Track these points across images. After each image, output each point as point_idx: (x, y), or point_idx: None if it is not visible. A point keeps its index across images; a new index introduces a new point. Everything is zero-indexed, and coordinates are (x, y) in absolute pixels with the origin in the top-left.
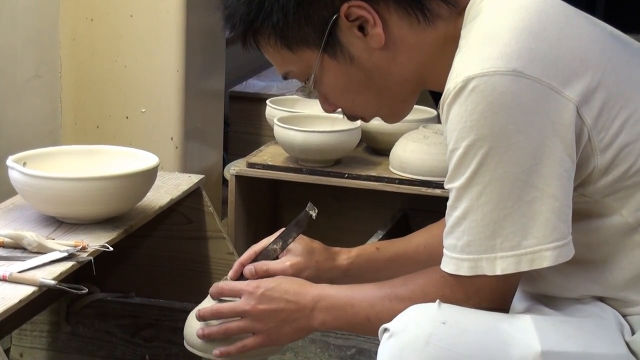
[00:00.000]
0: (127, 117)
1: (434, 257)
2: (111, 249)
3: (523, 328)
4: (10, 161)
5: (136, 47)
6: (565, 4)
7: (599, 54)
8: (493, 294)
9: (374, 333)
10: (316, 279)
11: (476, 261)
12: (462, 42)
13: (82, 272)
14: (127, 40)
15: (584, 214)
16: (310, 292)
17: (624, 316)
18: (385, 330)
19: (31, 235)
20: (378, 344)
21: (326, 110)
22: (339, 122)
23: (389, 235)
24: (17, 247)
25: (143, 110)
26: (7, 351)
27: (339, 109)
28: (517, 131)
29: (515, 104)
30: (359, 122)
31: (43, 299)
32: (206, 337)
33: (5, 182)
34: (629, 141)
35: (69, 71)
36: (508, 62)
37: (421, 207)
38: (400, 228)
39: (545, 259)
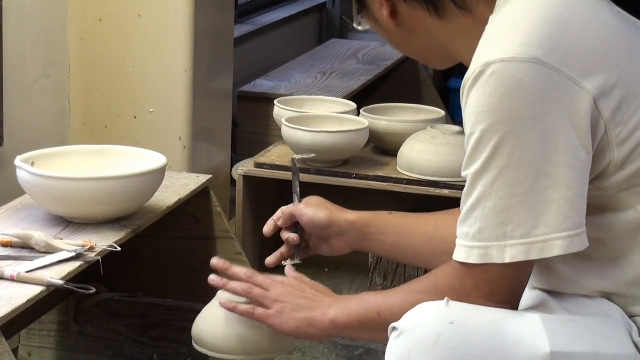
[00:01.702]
0: (135, 117)
1: (441, 231)
2: (119, 249)
3: (532, 328)
4: (18, 161)
5: (144, 47)
6: None
7: (622, 49)
8: (504, 285)
9: (383, 332)
10: (328, 224)
11: (487, 249)
12: (489, 28)
13: (90, 272)
14: (136, 40)
15: (598, 208)
16: (333, 295)
17: (632, 316)
18: (394, 329)
19: (39, 235)
20: (386, 345)
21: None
22: (347, 123)
23: None
24: (25, 247)
25: (151, 110)
26: (15, 350)
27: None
28: (534, 118)
29: (532, 91)
30: (366, 123)
31: (51, 299)
32: (218, 285)
33: (13, 182)
34: None
35: (77, 71)
36: (528, 49)
37: (429, 208)
38: None
39: (556, 248)
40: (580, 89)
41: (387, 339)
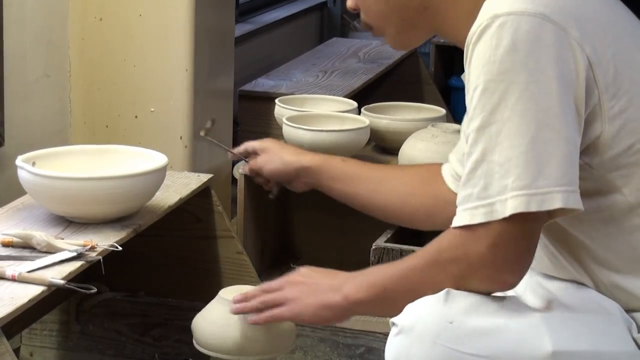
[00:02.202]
0: (136, 117)
1: (386, 183)
2: (120, 248)
3: (533, 327)
4: (19, 161)
5: (145, 46)
6: None
7: (620, 26)
8: (509, 246)
9: (388, 307)
10: (284, 173)
11: (491, 205)
12: None
13: (92, 272)
14: (136, 40)
15: (588, 190)
16: (343, 274)
17: (630, 312)
18: (393, 324)
19: (40, 234)
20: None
21: (350, 8)
22: (347, 121)
23: (398, 234)
24: (26, 247)
25: (152, 110)
26: (17, 350)
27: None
28: (538, 70)
29: (538, 45)
30: (367, 122)
31: (53, 299)
32: (239, 310)
33: (14, 182)
34: (636, 117)
35: (78, 71)
36: (537, 6)
37: None
38: (408, 227)
39: (556, 200)
40: (582, 51)
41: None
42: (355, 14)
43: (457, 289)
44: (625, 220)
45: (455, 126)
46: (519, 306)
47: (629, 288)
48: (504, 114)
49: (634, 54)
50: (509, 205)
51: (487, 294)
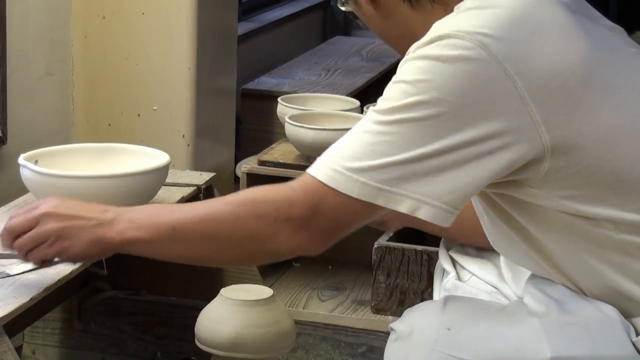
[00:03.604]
0: (138, 115)
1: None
2: None
3: (531, 333)
4: (21, 159)
5: (148, 44)
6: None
7: (572, 56)
8: (331, 214)
9: (175, 250)
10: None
11: (340, 174)
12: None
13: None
14: (139, 38)
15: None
16: (111, 209)
17: (628, 317)
18: (392, 330)
19: None
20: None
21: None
22: (350, 120)
23: (399, 233)
24: None
25: (155, 108)
26: (19, 348)
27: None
28: (458, 96)
29: (471, 73)
30: None
31: (55, 297)
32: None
33: (17, 180)
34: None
35: (80, 69)
36: (478, 32)
37: None
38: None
39: (402, 206)
40: (515, 86)
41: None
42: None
43: (258, 242)
44: (555, 221)
45: None
46: (517, 312)
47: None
48: (403, 114)
49: (610, 70)
50: (356, 190)
51: (286, 252)
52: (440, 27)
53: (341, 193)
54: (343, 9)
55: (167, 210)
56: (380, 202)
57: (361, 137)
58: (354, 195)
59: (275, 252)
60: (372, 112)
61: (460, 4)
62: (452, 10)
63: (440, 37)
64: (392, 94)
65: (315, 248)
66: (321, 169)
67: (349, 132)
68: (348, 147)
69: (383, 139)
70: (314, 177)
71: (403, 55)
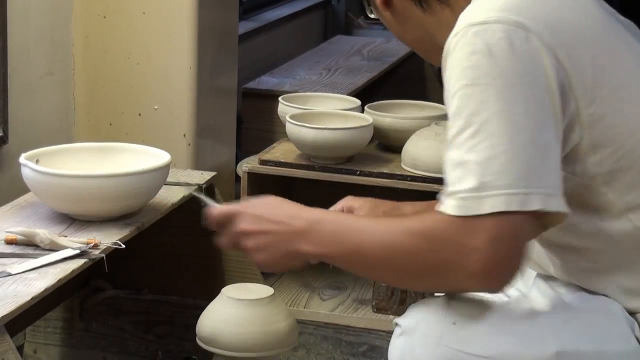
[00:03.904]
0: (139, 115)
1: None
2: (123, 246)
3: (537, 328)
4: (23, 158)
5: (149, 44)
6: None
7: (597, 31)
8: (497, 244)
9: (360, 267)
10: None
11: (478, 199)
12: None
13: (95, 269)
14: (140, 38)
15: (574, 199)
16: (305, 215)
17: (632, 313)
18: (397, 325)
19: (43, 232)
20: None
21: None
22: (351, 119)
23: None
24: (30, 245)
25: (156, 108)
26: (20, 347)
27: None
28: (515, 74)
29: (512, 51)
30: (370, 120)
31: (56, 296)
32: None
33: (18, 180)
34: (617, 122)
35: (81, 68)
36: (510, 14)
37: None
38: None
39: (535, 202)
40: (557, 58)
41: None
42: (360, 11)
43: (443, 278)
44: (613, 226)
45: None
46: (522, 306)
47: (621, 287)
48: (483, 116)
49: (617, 57)
50: (489, 203)
51: (472, 290)
52: (468, 17)
53: (495, 214)
54: (372, 16)
55: (353, 230)
56: (535, 205)
57: (466, 163)
58: (515, 208)
59: (460, 289)
60: (455, 134)
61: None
62: (459, 9)
63: (470, 26)
64: (458, 106)
65: (500, 280)
66: (453, 203)
67: (451, 163)
68: (462, 175)
69: (482, 146)
70: (454, 215)
71: (428, 59)
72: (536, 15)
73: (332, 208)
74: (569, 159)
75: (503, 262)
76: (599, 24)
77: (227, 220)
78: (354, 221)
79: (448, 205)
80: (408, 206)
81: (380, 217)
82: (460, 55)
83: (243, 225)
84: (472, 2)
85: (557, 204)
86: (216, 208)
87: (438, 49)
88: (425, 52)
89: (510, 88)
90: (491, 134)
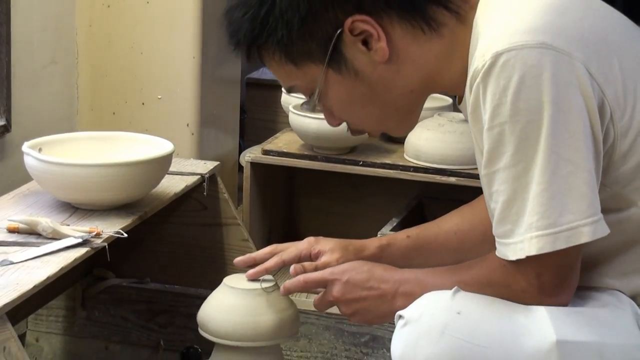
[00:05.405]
0: (143, 104)
1: (465, 244)
2: (125, 235)
3: (538, 318)
4: (26, 147)
5: (152, 33)
6: None
7: (618, 37)
8: (551, 274)
9: None
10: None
11: (517, 244)
12: (481, 28)
13: (97, 258)
14: (144, 27)
15: (604, 208)
16: (393, 277)
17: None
18: (400, 317)
19: (46, 221)
20: (391, 331)
21: (331, 124)
22: None
23: (404, 222)
24: (32, 233)
25: (159, 97)
26: (22, 336)
27: (344, 123)
28: (551, 103)
29: (546, 76)
30: None
31: (58, 285)
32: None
33: (21, 168)
34: None
35: (85, 58)
36: (535, 35)
37: (436, 195)
38: (415, 216)
39: (583, 235)
40: (588, 73)
41: None
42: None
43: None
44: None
45: (461, 115)
46: None
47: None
48: (528, 153)
49: (638, 60)
50: (534, 245)
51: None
52: (494, 43)
53: (535, 256)
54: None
55: (437, 286)
56: (584, 238)
57: (517, 202)
58: (534, 252)
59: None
60: (498, 173)
61: (482, 11)
62: (469, 19)
63: (499, 55)
64: (498, 143)
65: (564, 299)
66: (513, 246)
67: (501, 203)
68: (513, 216)
69: (528, 189)
70: (515, 261)
71: (392, 132)
72: (561, 30)
73: (291, 250)
74: (603, 169)
75: (559, 284)
76: (619, 29)
77: (321, 286)
78: (432, 277)
79: (507, 251)
80: (447, 223)
81: (382, 259)
82: (493, 90)
83: (336, 293)
84: (484, 21)
85: (602, 229)
86: (310, 275)
87: (424, 95)
88: (398, 114)
89: (549, 119)
90: (537, 172)
